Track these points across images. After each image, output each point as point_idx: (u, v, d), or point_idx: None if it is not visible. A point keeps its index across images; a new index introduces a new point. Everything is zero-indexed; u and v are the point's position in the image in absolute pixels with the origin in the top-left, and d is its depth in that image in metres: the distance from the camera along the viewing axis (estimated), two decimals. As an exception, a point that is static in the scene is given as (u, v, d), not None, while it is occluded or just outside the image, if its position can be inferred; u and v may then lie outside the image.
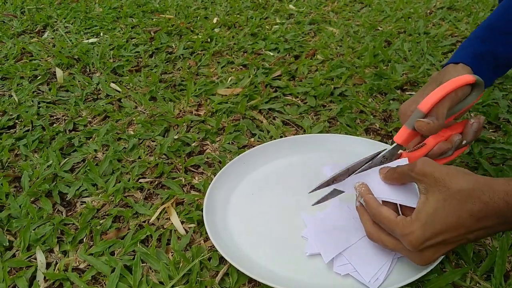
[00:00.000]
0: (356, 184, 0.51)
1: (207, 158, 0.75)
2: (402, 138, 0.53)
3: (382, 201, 0.49)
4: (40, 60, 1.16)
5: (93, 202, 0.68)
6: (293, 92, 0.93)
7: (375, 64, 1.04)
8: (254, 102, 0.90)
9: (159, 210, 0.65)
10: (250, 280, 0.53)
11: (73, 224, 0.64)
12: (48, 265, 0.58)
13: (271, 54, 1.12)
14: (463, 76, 0.51)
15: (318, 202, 0.54)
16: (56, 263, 0.58)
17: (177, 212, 0.64)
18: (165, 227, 0.62)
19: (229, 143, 0.78)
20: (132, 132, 0.84)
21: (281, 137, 0.79)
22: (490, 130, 0.77)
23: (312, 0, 1.53)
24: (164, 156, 0.77)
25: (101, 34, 1.32)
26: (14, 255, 0.60)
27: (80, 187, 0.70)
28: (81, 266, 0.58)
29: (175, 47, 1.20)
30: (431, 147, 0.54)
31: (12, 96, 1.00)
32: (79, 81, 1.04)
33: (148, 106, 0.92)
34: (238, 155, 0.71)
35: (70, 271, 0.56)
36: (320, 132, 0.79)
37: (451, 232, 0.42)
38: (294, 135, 0.79)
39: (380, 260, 0.52)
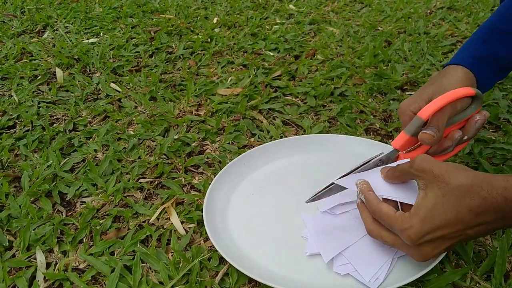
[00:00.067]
0: (357, 181, 0.51)
1: (207, 158, 0.75)
2: (400, 143, 0.53)
3: (383, 198, 0.49)
4: (40, 60, 1.16)
5: (93, 202, 0.68)
6: (293, 92, 0.93)
7: (375, 64, 1.04)
8: (254, 102, 0.90)
9: (159, 210, 0.65)
10: (250, 280, 0.53)
11: (73, 224, 0.64)
12: (48, 265, 0.58)
13: (271, 54, 1.12)
14: (464, 88, 0.52)
15: (312, 199, 0.54)
16: (56, 263, 0.58)
17: (177, 212, 0.64)
18: (165, 227, 0.62)
19: (229, 143, 0.78)
20: (132, 132, 0.84)
21: (281, 137, 0.78)
22: (490, 130, 0.77)
23: (312, 0, 1.53)
24: (164, 156, 0.77)
25: (101, 34, 1.32)
26: (14, 255, 0.60)
27: (80, 187, 0.70)
28: (81, 266, 0.58)
29: (175, 47, 1.20)
30: (428, 147, 0.54)
31: (12, 96, 1.00)
32: (79, 81, 1.04)
33: (148, 106, 0.92)
34: (238, 155, 0.71)
35: (70, 271, 0.56)
36: (320, 132, 0.79)
37: (450, 227, 0.42)
38: (294, 135, 0.79)
39: (380, 259, 0.52)
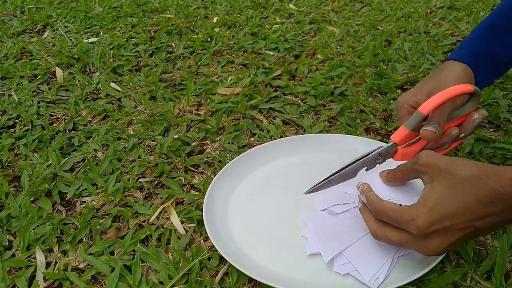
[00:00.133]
0: (358, 183, 0.51)
1: (207, 157, 0.75)
2: (399, 137, 0.53)
3: None
4: (40, 60, 1.16)
5: (93, 201, 0.68)
6: (293, 92, 0.93)
7: (375, 63, 1.04)
8: (254, 101, 0.90)
9: (159, 210, 0.65)
10: (250, 280, 0.53)
11: (73, 223, 0.64)
12: (48, 264, 0.58)
13: (271, 53, 1.12)
14: (463, 85, 0.52)
15: (311, 191, 0.53)
16: (56, 263, 0.58)
17: (177, 212, 0.64)
18: (165, 226, 0.62)
19: (229, 143, 0.78)
20: (132, 132, 0.84)
21: (281, 136, 0.78)
22: (491, 130, 0.77)
23: (312, 0, 1.53)
24: (164, 155, 0.77)
25: (101, 33, 1.32)
26: (13, 255, 0.60)
27: (80, 186, 0.70)
28: (81, 265, 0.58)
29: (175, 47, 1.20)
30: (426, 142, 0.54)
31: (12, 95, 1.00)
32: (79, 81, 1.04)
33: (148, 106, 0.92)
34: (238, 154, 0.71)
35: (69, 271, 0.56)
36: (320, 131, 0.79)
37: (458, 217, 0.42)
38: (294, 134, 0.79)
39: (380, 259, 0.51)
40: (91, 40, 1.27)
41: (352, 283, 0.51)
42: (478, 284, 0.51)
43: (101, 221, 0.64)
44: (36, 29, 1.39)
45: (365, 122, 0.82)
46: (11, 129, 0.88)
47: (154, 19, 1.41)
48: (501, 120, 0.79)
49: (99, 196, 0.68)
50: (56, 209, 0.67)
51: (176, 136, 0.81)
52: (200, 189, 0.68)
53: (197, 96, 0.94)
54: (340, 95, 0.91)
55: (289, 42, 1.17)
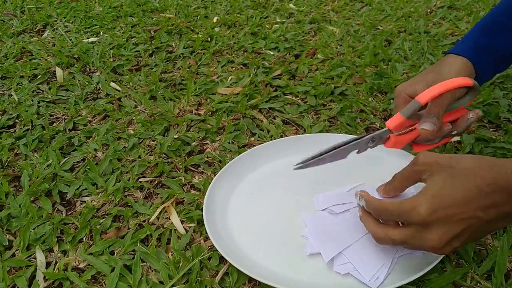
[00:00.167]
0: (356, 191, 0.51)
1: (207, 157, 0.75)
2: (394, 124, 0.53)
3: None
4: (40, 59, 1.16)
5: (93, 201, 0.68)
6: (293, 91, 0.93)
7: (376, 63, 1.03)
8: (254, 101, 0.90)
9: (159, 210, 0.65)
10: (250, 279, 0.53)
11: (73, 223, 0.64)
12: (48, 264, 0.58)
13: (271, 53, 1.12)
14: (462, 78, 0.52)
15: (301, 166, 0.53)
16: (56, 263, 0.58)
17: (177, 212, 0.64)
18: (165, 226, 0.62)
19: (229, 143, 0.78)
20: (132, 132, 0.84)
21: (281, 136, 0.78)
22: (491, 129, 0.77)
23: (312, -1, 1.53)
24: (164, 155, 0.77)
25: (101, 33, 1.32)
26: (13, 255, 0.60)
27: (80, 186, 0.70)
28: (81, 265, 0.58)
29: (175, 46, 1.20)
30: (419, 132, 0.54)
31: (12, 95, 0.99)
32: (79, 80, 1.04)
33: (148, 105, 0.92)
34: (238, 154, 0.71)
35: (69, 271, 0.56)
36: (320, 131, 0.79)
37: (460, 206, 0.41)
38: (294, 134, 0.79)
39: (380, 259, 0.51)
40: (91, 39, 1.27)
41: (352, 283, 0.51)
42: (478, 284, 0.51)
43: (101, 221, 0.64)
44: (36, 29, 1.39)
45: (365, 121, 0.82)
46: (11, 129, 0.88)
47: (154, 19, 1.41)
48: (501, 120, 0.79)
49: (99, 196, 0.68)
50: (56, 209, 0.67)
51: (176, 136, 0.81)
52: (200, 189, 0.68)
53: (197, 95, 0.94)
54: (340, 95, 0.91)
55: (289, 42, 1.17)
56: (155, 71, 1.06)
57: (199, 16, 1.41)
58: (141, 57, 1.15)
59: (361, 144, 0.54)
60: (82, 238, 0.61)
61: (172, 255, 0.58)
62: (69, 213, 0.67)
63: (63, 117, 0.90)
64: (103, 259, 0.57)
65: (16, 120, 0.90)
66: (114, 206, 0.66)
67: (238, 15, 1.41)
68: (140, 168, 0.73)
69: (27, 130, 0.86)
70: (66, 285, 0.54)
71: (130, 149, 0.78)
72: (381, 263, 0.51)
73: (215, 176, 0.66)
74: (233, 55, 1.13)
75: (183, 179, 0.71)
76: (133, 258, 0.57)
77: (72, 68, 1.11)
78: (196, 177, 0.71)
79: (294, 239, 0.57)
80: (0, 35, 1.34)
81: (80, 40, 1.27)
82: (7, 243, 0.61)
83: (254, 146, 0.74)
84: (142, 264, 0.56)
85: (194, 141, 0.79)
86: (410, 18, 1.30)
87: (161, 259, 0.56)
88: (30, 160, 0.78)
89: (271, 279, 0.50)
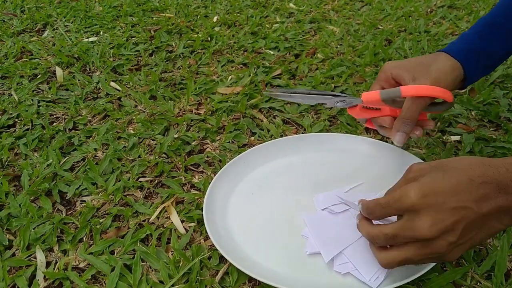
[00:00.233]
0: (359, 200, 0.50)
1: (207, 157, 0.75)
2: (369, 99, 0.56)
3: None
4: (40, 59, 1.16)
5: (93, 201, 0.68)
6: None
7: (376, 62, 1.03)
8: (254, 101, 0.90)
9: (159, 209, 0.65)
10: (250, 279, 0.53)
11: (73, 223, 0.64)
12: (48, 264, 0.58)
13: (271, 52, 1.12)
14: (448, 93, 0.56)
15: (270, 93, 0.58)
16: (56, 262, 0.58)
17: (177, 211, 0.64)
18: (165, 226, 0.62)
19: (229, 142, 0.78)
20: (132, 131, 0.84)
21: (281, 136, 0.78)
22: (491, 129, 0.77)
23: (313, -1, 1.53)
24: (164, 155, 0.77)
25: (101, 33, 1.32)
26: (13, 254, 0.60)
27: (80, 186, 0.70)
28: (81, 265, 0.58)
29: (175, 46, 1.20)
30: (384, 113, 0.59)
31: (12, 95, 0.99)
32: (79, 80, 1.04)
33: (148, 105, 0.92)
34: (238, 154, 0.71)
35: (70, 270, 0.56)
36: (321, 131, 0.79)
37: (451, 195, 0.41)
38: (294, 134, 0.79)
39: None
40: (91, 39, 1.27)
41: (352, 282, 0.51)
42: (478, 284, 0.51)
43: (101, 220, 0.64)
44: (36, 29, 1.39)
45: (365, 121, 0.82)
46: (11, 129, 0.88)
47: (154, 19, 1.41)
48: (502, 119, 0.79)
49: (99, 195, 0.68)
50: (56, 208, 0.67)
51: (176, 136, 0.81)
52: (200, 189, 0.68)
53: (197, 95, 0.94)
54: (340, 94, 0.91)
55: (289, 41, 1.17)
56: (155, 71, 1.06)
57: (199, 16, 1.41)
58: (141, 56, 1.14)
59: (330, 100, 0.57)
60: (82, 238, 0.61)
61: (172, 254, 0.58)
62: (69, 212, 0.67)
63: (63, 116, 0.90)
64: (103, 259, 0.57)
65: (16, 120, 0.90)
66: (114, 206, 0.66)
67: (238, 14, 1.41)
68: (140, 168, 0.73)
69: (27, 129, 0.86)
70: (66, 285, 0.54)
71: (130, 148, 0.78)
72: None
73: (215, 175, 0.66)
74: (233, 54, 1.13)
75: (183, 179, 0.71)
76: (133, 257, 0.57)
77: (72, 68, 1.11)
78: (196, 177, 0.71)
79: (294, 238, 0.57)
80: (0, 34, 1.34)
81: (80, 39, 1.27)
82: (7, 242, 0.61)
83: (254, 145, 0.74)
84: (142, 263, 0.56)
85: (194, 140, 0.79)
86: (410, 18, 1.30)
87: (161, 258, 0.56)
88: (30, 159, 0.78)
89: (271, 278, 0.50)
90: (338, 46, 1.14)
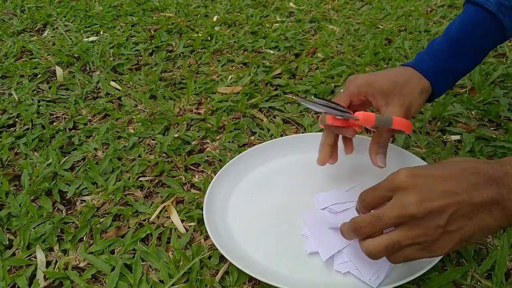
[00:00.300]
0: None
1: (207, 156, 0.75)
2: (365, 122, 0.55)
3: None
4: (40, 59, 1.16)
5: (93, 200, 0.68)
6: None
7: (376, 62, 1.03)
8: (255, 100, 0.90)
9: (159, 209, 0.65)
10: (251, 278, 0.53)
11: (73, 222, 0.64)
12: (48, 263, 0.58)
13: (272, 52, 1.12)
14: (410, 126, 0.56)
15: (305, 97, 0.58)
16: (56, 262, 0.58)
17: (177, 211, 0.64)
18: (165, 225, 0.62)
19: (229, 142, 0.78)
20: (132, 131, 0.84)
21: (281, 135, 0.78)
22: (491, 128, 0.77)
23: (313, -2, 1.53)
24: (164, 154, 0.77)
25: (101, 32, 1.32)
26: (14, 254, 0.60)
27: (80, 185, 0.70)
28: (81, 264, 0.58)
29: (175, 46, 1.20)
30: (350, 124, 0.58)
31: (12, 94, 0.99)
32: (79, 80, 1.04)
33: (148, 105, 0.92)
34: (239, 153, 0.71)
35: (70, 270, 0.56)
36: (321, 130, 0.79)
37: (442, 179, 0.41)
38: (294, 133, 0.79)
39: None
40: (91, 39, 1.27)
41: (352, 282, 0.51)
42: (478, 283, 0.51)
43: (101, 220, 0.64)
44: (36, 28, 1.39)
45: (366, 120, 0.81)
46: (11, 128, 0.88)
47: (154, 18, 1.41)
48: (502, 119, 0.79)
49: (99, 195, 0.68)
50: (56, 208, 0.67)
51: (176, 135, 0.81)
52: (200, 188, 0.68)
53: (197, 95, 0.94)
54: (340, 94, 0.91)
55: (289, 41, 1.17)
56: (155, 70, 1.06)
57: (199, 15, 1.41)
58: (141, 56, 1.14)
59: (331, 110, 0.56)
60: (82, 237, 0.61)
61: (172, 254, 0.58)
62: (69, 212, 0.67)
63: (63, 116, 0.90)
64: (103, 258, 0.57)
65: (16, 119, 0.90)
66: (114, 205, 0.66)
67: (238, 14, 1.41)
68: (140, 167, 0.73)
69: (27, 129, 0.86)
70: (67, 284, 0.54)
71: (130, 148, 0.78)
72: (381, 262, 0.51)
73: (215, 175, 0.66)
74: (233, 54, 1.13)
75: (183, 178, 0.71)
76: (133, 257, 0.57)
77: (72, 67, 1.11)
78: (196, 176, 0.71)
79: (294, 238, 0.57)
80: (0, 34, 1.34)
81: (80, 39, 1.27)
82: (7, 242, 0.61)
83: (254, 145, 0.74)
84: (143, 263, 0.56)
85: (194, 140, 0.79)
86: (410, 17, 1.30)
87: (161, 258, 0.56)
88: (30, 159, 0.78)
89: (271, 278, 0.50)
90: (338, 46, 1.14)
